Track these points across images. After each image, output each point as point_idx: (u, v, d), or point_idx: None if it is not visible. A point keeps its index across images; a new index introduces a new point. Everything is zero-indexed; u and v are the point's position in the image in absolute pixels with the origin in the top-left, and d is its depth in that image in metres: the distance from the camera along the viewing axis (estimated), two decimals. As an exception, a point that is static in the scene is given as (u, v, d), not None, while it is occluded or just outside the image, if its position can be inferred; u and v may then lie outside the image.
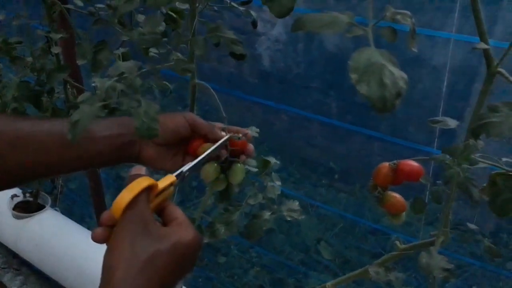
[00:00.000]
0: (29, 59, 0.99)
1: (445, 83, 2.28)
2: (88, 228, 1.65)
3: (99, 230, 0.47)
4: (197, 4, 0.71)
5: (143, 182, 0.46)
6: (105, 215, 0.47)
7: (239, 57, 0.74)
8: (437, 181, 0.48)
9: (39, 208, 1.63)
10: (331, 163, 2.76)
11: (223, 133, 0.64)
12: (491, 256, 0.61)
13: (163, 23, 0.85)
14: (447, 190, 0.46)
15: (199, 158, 0.59)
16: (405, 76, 0.33)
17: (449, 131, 0.60)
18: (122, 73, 0.59)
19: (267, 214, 0.72)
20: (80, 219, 1.86)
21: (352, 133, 2.67)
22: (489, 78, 0.57)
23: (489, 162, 0.51)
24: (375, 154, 2.55)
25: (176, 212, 0.49)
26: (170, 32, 0.86)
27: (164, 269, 0.43)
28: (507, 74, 0.55)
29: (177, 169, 0.56)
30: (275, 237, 2.21)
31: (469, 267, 2.04)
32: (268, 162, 0.71)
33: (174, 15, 0.87)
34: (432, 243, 0.62)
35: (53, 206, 1.69)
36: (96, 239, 0.46)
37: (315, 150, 2.87)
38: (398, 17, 0.38)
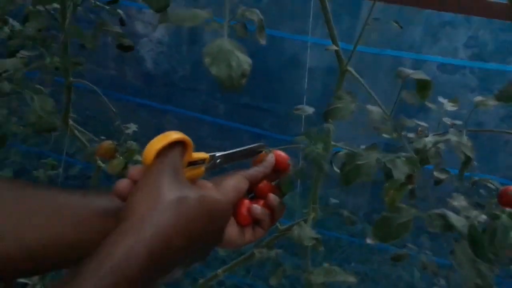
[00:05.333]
0: None
1: (320, 83, 2.51)
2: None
3: (124, 182, 0.42)
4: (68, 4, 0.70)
5: (175, 134, 0.43)
6: (133, 169, 0.43)
7: (127, 49, 0.76)
8: (301, 162, 0.55)
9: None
10: (221, 163, 2.83)
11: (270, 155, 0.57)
12: (350, 225, 0.71)
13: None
14: (309, 168, 0.53)
15: (235, 150, 0.54)
16: (249, 60, 0.40)
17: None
18: (5, 71, 0.56)
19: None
20: None
21: (241, 132, 2.77)
22: (341, 75, 0.67)
23: (338, 144, 0.60)
24: (261, 151, 2.69)
25: (208, 183, 0.46)
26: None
27: (191, 218, 0.40)
28: (354, 72, 0.66)
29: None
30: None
31: (348, 246, 2.27)
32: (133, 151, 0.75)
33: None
34: (305, 221, 0.70)
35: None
36: (119, 191, 0.42)
37: (203, 150, 2.91)
38: (247, 13, 0.44)
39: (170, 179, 0.41)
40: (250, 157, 0.56)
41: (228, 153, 0.52)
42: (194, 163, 0.48)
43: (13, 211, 0.42)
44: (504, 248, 0.43)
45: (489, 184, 0.62)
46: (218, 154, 0.51)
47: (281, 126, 2.66)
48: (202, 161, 0.48)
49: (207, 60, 0.41)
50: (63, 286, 0.34)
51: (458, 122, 0.59)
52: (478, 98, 0.57)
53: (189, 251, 0.41)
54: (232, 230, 0.50)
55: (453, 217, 0.46)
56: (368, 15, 0.62)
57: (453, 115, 0.65)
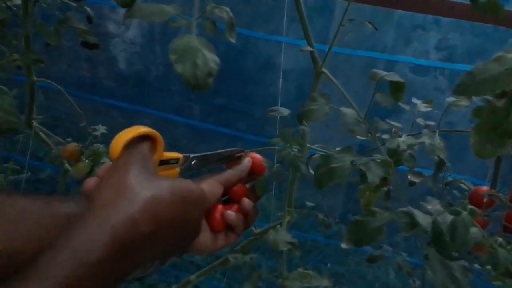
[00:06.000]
0: None
1: (295, 84, 2.51)
2: None
3: (92, 180, 0.40)
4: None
5: (143, 127, 0.42)
6: (102, 167, 0.41)
7: (92, 47, 0.72)
8: (277, 164, 0.53)
9: None
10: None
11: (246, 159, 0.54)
12: (324, 228, 0.70)
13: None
14: (285, 171, 0.52)
15: (211, 152, 0.52)
16: (217, 59, 0.39)
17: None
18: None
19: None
20: None
21: (216, 134, 2.75)
22: (316, 77, 0.66)
23: (313, 147, 0.59)
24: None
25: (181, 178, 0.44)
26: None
27: (160, 203, 0.37)
28: (329, 74, 0.65)
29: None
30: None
31: (324, 247, 2.28)
32: (100, 154, 0.72)
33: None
34: (281, 224, 0.69)
35: None
36: (87, 189, 0.40)
37: (180, 152, 2.87)
38: (216, 10, 0.43)
39: (138, 169, 0.39)
40: (227, 162, 0.54)
41: (203, 155, 0.51)
42: (166, 163, 0.46)
43: None
44: (465, 245, 0.42)
45: (462, 185, 0.62)
46: (192, 155, 0.49)
47: (257, 128, 2.65)
48: (175, 161, 0.47)
49: (172, 57, 0.39)
50: (18, 281, 0.31)
51: (431, 123, 0.59)
52: (451, 98, 0.57)
53: (160, 238, 0.38)
54: (204, 236, 0.48)
55: (419, 216, 0.46)
56: (343, 16, 0.61)
57: (425, 116, 0.66)
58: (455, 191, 0.63)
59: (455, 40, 2.38)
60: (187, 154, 0.49)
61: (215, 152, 0.52)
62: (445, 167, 0.58)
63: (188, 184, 0.41)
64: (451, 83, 2.45)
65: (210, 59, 0.38)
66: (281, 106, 0.70)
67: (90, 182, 0.41)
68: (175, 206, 0.39)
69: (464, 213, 0.46)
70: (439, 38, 2.41)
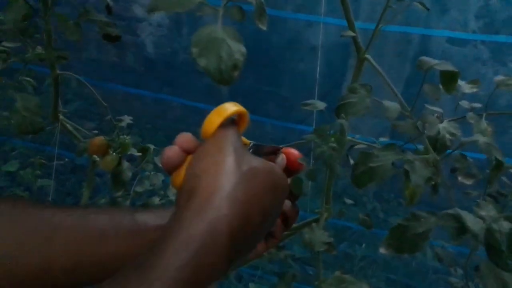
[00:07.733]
0: None
1: (323, 63, 2.43)
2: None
3: (174, 150, 0.39)
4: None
5: (235, 105, 0.42)
6: (183, 137, 0.40)
7: (115, 39, 0.71)
8: (312, 161, 0.50)
9: None
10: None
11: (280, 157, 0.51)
12: (365, 227, 0.66)
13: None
14: (322, 167, 0.48)
15: (263, 144, 0.50)
16: (243, 49, 0.35)
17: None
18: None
19: (156, 200, 0.73)
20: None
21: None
22: (359, 65, 0.61)
23: (356, 140, 0.55)
24: (267, 138, 2.64)
25: None
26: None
27: (262, 191, 0.36)
28: (373, 62, 0.59)
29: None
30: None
31: (357, 228, 2.24)
32: (147, 148, 0.71)
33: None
34: (317, 220, 0.65)
35: None
36: (168, 158, 0.38)
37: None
38: None
39: (236, 149, 0.38)
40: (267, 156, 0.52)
41: (258, 145, 0.49)
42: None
43: (7, 235, 0.39)
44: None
45: (512, 171, 0.56)
46: (252, 143, 0.48)
47: (289, 111, 2.60)
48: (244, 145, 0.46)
49: (194, 50, 0.36)
50: (128, 273, 0.29)
51: (477, 105, 0.54)
52: (500, 77, 0.51)
53: (263, 228, 0.37)
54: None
55: (469, 220, 0.41)
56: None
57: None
58: (503, 178, 0.58)
59: (497, 5, 2.22)
60: (250, 141, 0.47)
61: (266, 145, 0.50)
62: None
63: (277, 167, 0.40)
64: (493, 53, 2.30)
65: (236, 50, 0.35)
66: (318, 85, 0.65)
67: (172, 151, 0.39)
68: (271, 192, 0.38)
69: (524, 218, 0.41)
70: (480, 4, 2.26)
